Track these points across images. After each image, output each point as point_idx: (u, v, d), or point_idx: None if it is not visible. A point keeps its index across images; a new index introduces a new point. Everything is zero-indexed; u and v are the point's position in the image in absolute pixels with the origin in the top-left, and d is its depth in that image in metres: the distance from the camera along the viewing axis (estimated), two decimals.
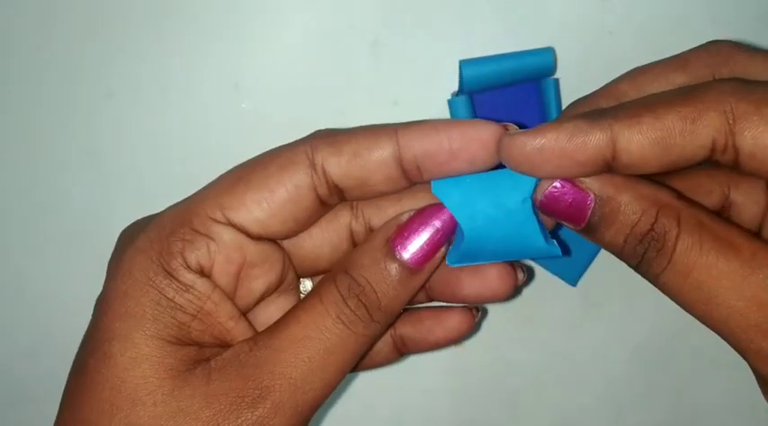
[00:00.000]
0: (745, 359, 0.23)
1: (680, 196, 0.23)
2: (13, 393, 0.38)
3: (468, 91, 0.33)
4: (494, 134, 0.24)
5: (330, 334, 0.24)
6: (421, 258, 0.25)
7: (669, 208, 0.23)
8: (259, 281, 0.26)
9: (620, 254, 0.24)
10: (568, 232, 0.34)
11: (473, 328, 0.30)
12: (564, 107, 0.34)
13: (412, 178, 0.25)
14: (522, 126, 0.36)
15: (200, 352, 0.24)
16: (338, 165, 0.24)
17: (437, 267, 0.25)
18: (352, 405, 0.39)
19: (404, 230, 0.25)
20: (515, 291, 0.30)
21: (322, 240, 0.27)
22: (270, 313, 0.27)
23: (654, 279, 0.23)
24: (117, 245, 0.26)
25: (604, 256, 0.36)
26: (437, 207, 0.25)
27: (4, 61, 0.35)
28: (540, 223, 0.25)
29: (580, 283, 0.35)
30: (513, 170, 0.24)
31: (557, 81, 0.34)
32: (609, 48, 0.35)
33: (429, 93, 0.35)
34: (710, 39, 0.36)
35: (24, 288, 0.37)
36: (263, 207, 0.24)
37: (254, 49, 0.35)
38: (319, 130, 0.26)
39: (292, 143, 0.25)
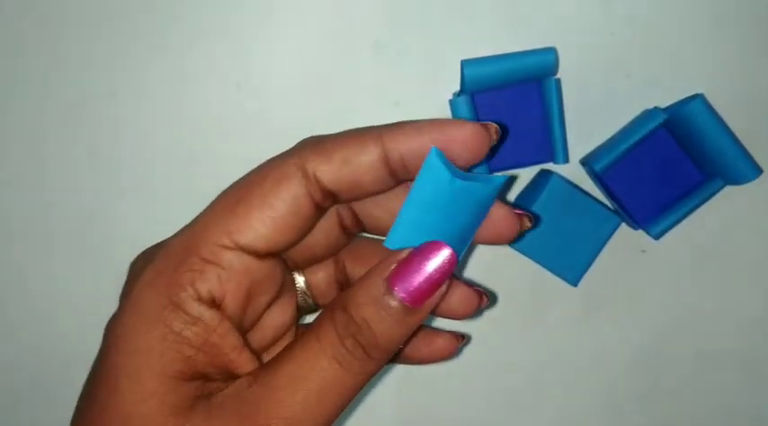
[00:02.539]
0: None
1: None
2: (16, 393, 0.38)
3: (470, 91, 0.33)
4: (472, 133, 0.24)
5: (326, 374, 0.24)
6: (419, 296, 0.24)
7: None
8: (264, 297, 0.26)
9: None
10: (570, 230, 0.34)
11: (456, 353, 0.31)
12: (566, 105, 0.35)
13: (399, 176, 0.25)
14: (522, 127, 0.36)
15: (203, 386, 0.25)
16: (329, 172, 0.25)
17: (437, 305, 0.25)
18: (353, 405, 0.39)
19: (402, 268, 0.24)
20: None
21: (316, 229, 0.28)
22: (270, 319, 0.28)
23: None
24: (128, 276, 0.27)
25: (606, 256, 0.36)
26: (435, 244, 0.25)
27: (8, 61, 0.35)
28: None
29: (581, 283, 0.36)
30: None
31: (558, 81, 0.34)
32: (610, 48, 0.35)
33: (431, 94, 0.35)
34: (711, 40, 0.36)
35: (26, 287, 0.37)
36: (267, 224, 0.25)
37: (256, 50, 0.35)
38: (305, 140, 0.26)
39: (281, 155, 0.26)
